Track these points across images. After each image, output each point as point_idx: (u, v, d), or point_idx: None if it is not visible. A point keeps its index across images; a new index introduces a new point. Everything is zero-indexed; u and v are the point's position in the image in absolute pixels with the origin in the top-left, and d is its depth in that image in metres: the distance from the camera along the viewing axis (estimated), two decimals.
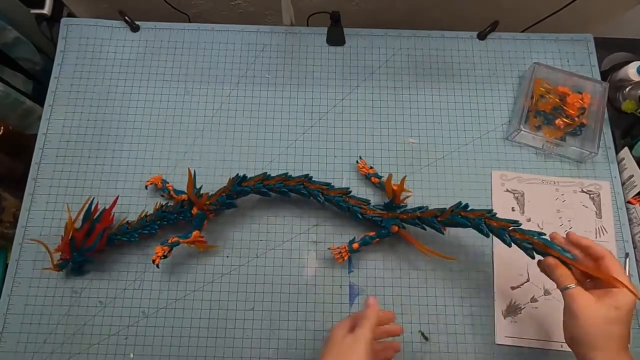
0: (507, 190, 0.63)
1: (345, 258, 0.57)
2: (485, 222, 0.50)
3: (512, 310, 0.58)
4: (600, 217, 0.61)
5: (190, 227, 0.56)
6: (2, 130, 0.59)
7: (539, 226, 0.61)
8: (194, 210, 0.56)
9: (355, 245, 0.56)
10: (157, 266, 0.54)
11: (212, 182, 0.62)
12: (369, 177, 0.61)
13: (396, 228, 0.55)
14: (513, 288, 0.58)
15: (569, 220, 0.61)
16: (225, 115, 0.66)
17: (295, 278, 0.59)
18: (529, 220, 0.61)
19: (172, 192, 0.59)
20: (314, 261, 0.59)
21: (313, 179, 0.57)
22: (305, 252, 0.60)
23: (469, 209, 0.52)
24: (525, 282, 0.59)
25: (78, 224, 0.56)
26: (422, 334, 0.57)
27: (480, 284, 0.59)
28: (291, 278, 0.59)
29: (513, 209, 0.62)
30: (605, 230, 0.61)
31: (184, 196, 0.57)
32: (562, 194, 0.63)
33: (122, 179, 0.62)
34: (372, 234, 0.57)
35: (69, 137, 0.64)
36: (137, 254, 0.59)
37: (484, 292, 0.58)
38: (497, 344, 0.56)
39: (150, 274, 0.58)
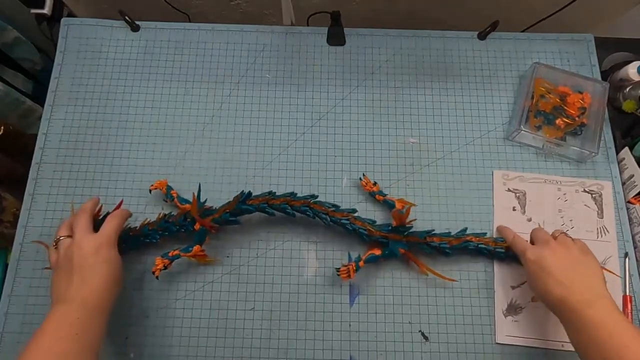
0: (509, 190, 0.63)
1: (353, 277, 0.55)
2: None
3: (513, 309, 0.58)
4: (602, 217, 0.61)
5: (191, 238, 0.56)
6: (2, 130, 0.59)
7: (540, 226, 0.61)
8: (197, 226, 0.55)
9: (362, 264, 0.56)
10: (157, 278, 0.54)
11: (212, 182, 0.62)
12: (374, 195, 0.61)
13: (402, 250, 0.55)
14: (514, 287, 0.58)
15: (571, 220, 0.61)
16: (225, 115, 0.66)
17: (295, 278, 0.59)
18: (529, 220, 0.61)
19: (176, 200, 0.59)
20: (314, 261, 0.59)
21: (318, 199, 0.57)
22: (305, 252, 0.60)
23: (468, 232, 0.59)
24: (526, 281, 0.59)
25: None
26: (422, 334, 0.57)
27: (480, 283, 0.59)
28: (291, 278, 0.59)
29: (514, 209, 0.62)
30: (607, 230, 0.61)
31: (188, 206, 0.57)
32: (564, 194, 0.62)
33: (123, 178, 0.62)
34: (377, 252, 0.56)
35: (69, 137, 0.64)
36: (138, 254, 0.59)
37: (485, 291, 0.58)
38: (498, 343, 0.56)
39: (150, 273, 0.58)
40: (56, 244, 0.50)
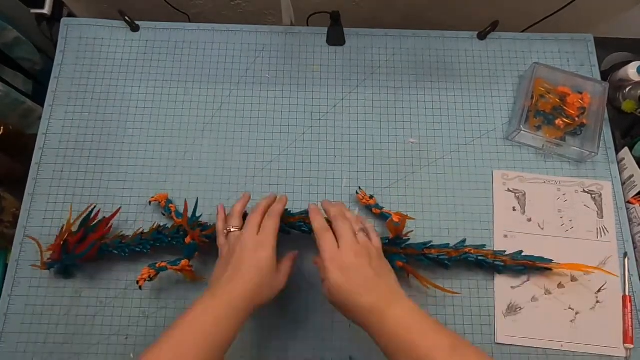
0: (509, 190, 0.63)
1: None
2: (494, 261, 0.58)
3: (513, 309, 0.58)
4: (602, 217, 0.61)
5: (182, 252, 0.55)
6: (2, 130, 0.59)
7: (539, 226, 0.61)
8: (188, 240, 0.55)
9: None
10: (140, 288, 0.54)
11: (212, 182, 0.62)
12: (370, 209, 0.60)
13: (400, 263, 0.55)
14: (513, 287, 0.58)
15: (570, 220, 0.61)
16: (225, 115, 0.66)
17: (294, 278, 0.59)
18: (529, 220, 0.61)
19: (173, 214, 0.58)
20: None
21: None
22: (304, 251, 0.60)
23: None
24: (526, 281, 0.59)
25: (76, 227, 0.56)
26: None
27: (480, 284, 0.59)
28: (290, 278, 0.59)
29: (514, 209, 0.62)
30: (607, 231, 0.61)
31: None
32: (564, 194, 0.62)
33: (122, 178, 0.62)
34: None
35: (69, 137, 0.64)
36: (137, 254, 0.58)
37: (484, 291, 0.58)
38: (498, 343, 0.56)
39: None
40: (227, 234, 0.51)
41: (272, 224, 0.50)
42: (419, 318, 0.43)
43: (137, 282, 0.53)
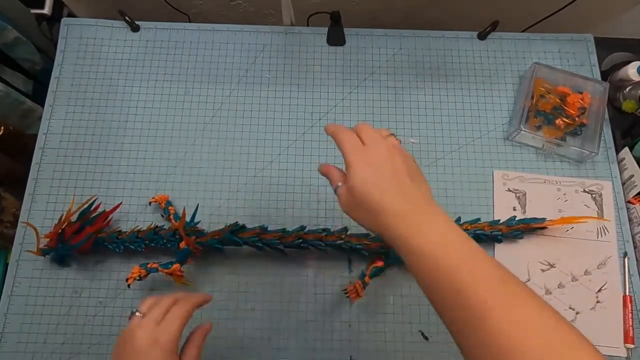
0: (509, 190, 0.63)
1: (362, 295, 0.55)
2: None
3: None
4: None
5: (175, 256, 0.55)
6: (2, 130, 0.59)
7: None
8: (182, 244, 0.55)
9: (368, 280, 0.55)
10: (129, 286, 0.54)
11: (212, 182, 0.62)
12: None
13: None
14: None
15: None
16: (225, 115, 0.66)
17: (295, 278, 0.59)
18: None
19: (171, 217, 0.58)
20: (314, 261, 0.59)
21: (308, 229, 0.56)
22: (304, 252, 0.60)
23: (461, 222, 0.59)
24: (526, 281, 0.59)
25: (75, 218, 0.56)
26: (422, 334, 0.57)
27: None
28: (291, 278, 0.59)
29: (514, 209, 0.62)
30: (607, 230, 0.61)
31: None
32: (564, 194, 0.62)
33: (122, 178, 0.62)
34: (380, 264, 0.56)
35: (69, 137, 0.64)
36: (134, 254, 0.58)
37: None
38: None
39: (151, 274, 0.58)
40: (131, 315, 0.43)
41: (180, 312, 0.41)
42: (460, 240, 0.35)
43: (127, 281, 0.53)
